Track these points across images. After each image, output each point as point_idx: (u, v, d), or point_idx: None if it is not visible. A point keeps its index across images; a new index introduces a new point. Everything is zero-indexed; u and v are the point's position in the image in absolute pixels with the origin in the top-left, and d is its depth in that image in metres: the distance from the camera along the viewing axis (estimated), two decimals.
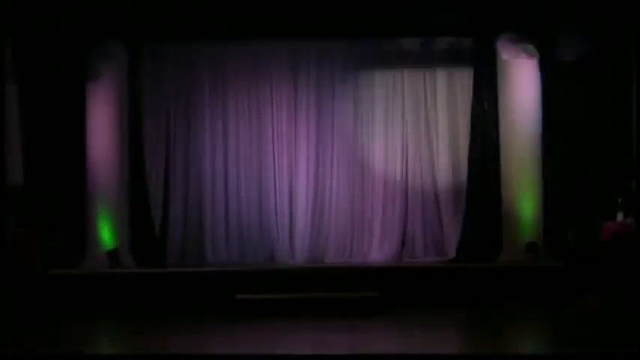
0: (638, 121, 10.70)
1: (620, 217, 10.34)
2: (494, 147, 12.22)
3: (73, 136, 12.05)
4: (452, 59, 12.71)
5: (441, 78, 12.78)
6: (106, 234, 11.92)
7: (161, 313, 10.04)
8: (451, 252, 12.46)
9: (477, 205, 12.44)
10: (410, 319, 9.32)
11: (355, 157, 12.85)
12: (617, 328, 8.52)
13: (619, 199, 10.44)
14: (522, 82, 11.97)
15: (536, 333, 8.69)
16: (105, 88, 12.03)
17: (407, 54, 12.79)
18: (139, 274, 11.17)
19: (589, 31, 11.25)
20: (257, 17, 11.87)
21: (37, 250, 10.58)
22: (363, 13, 11.85)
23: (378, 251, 12.65)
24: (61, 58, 11.52)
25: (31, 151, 11.70)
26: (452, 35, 12.46)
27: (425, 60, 12.79)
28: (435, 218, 12.70)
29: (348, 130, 12.85)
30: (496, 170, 12.19)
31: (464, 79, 12.67)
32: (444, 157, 12.71)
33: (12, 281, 9.60)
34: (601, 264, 10.07)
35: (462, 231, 12.45)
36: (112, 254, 11.74)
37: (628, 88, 11.01)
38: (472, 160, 12.55)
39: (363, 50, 12.81)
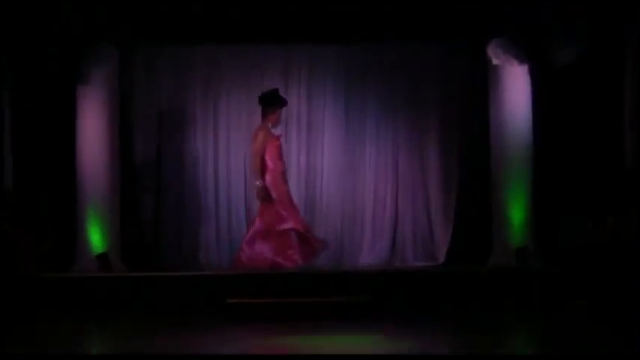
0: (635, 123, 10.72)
1: (610, 221, 10.37)
2: (485, 151, 12.28)
3: (64, 138, 12.03)
4: (443, 64, 12.78)
5: (431, 82, 12.82)
6: (96, 237, 11.88)
7: (150, 317, 9.99)
8: (441, 256, 12.51)
9: (467, 209, 12.53)
10: (401, 323, 9.31)
11: (346, 162, 12.88)
12: (609, 332, 8.54)
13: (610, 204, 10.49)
14: (513, 86, 12.01)
15: (528, 339, 8.69)
16: (96, 91, 11.98)
17: (398, 59, 12.83)
18: (129, 278, 11.12)
19: (579, 36, 11.29)
20: (250, 21, 11.89)
21: (29, 253, 10.58)
22: (355, 18, 11.91)
23: (368, 255, 12.68)
24: (52, 61, 11.51)
25: (21, 155, 11.68)
26: (442, 39, 12.49)
27: (416, 64, 12.83)
28: (426, 222, 12.75)
29: (339, 134, 12.88)
30: (486, 174, 12.25)
31: (455, 84, 12.73)
32: (434, 161, 12.76)
33: (4, 283, 9.60)
34: (591, 268, 10.11)
35: (452, 235, 12.52)
36: (102, 258, 11.70)
37: (619, 91, 11.04)
38: (462, 164, 12.63)
39: (354, 55, 12.84)
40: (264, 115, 11.41)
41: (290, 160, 12.59)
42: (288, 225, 11.19)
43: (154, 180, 12.64)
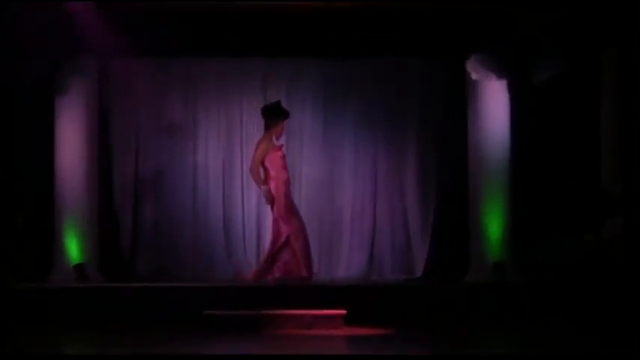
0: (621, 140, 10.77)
1: (588, 237, 10.42)
2: (463, 166, 12.33)
3: (42, 149, 12.00)
4: (421, 79, 12.84)
5: (410, 97, 12.87)
6: (73, 248, 11.84)
7: (127, 328, 9.93)
8: (419, 270, 12.53)
9: (445, 223, 12.56)
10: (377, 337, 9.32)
11: (324, 177, 12.90)
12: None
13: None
14: (492, 102, 12.09)
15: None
16: (75, 102, 12.00)
17: (377, 74, 12.87)
18: (106, 289, 11.06)
19: (558, 53, 11.38)
20: (230, 35, 11.91)
21: (5, 263, 10.52)
22: (335, 34, 11.95)
23: (345, 269, 12.70)
24: (31, 72, 11.47)
25: None
26: (422, 55, 12.54)
27: (394, 80, 12.88)
28: (403, 236, 12.77)
29: (317, 149, 12.91)
30: (464, 189, 12.30)
31: (433, 99, 12.78)
32: (412, 175, 12.79)
33: None
34: (569, 283, 10.15)
35: (429, 249, 12.54)
36: (79, 269, 11.66)
37: (596, 108, 11.13)
38: (440, 178, 12.67)
39: (334, 70, 12.88)
40: (267, 127, 11.39)
41: None
42: (283, 237, 11.19)
43: (133, 191, 12.63)
